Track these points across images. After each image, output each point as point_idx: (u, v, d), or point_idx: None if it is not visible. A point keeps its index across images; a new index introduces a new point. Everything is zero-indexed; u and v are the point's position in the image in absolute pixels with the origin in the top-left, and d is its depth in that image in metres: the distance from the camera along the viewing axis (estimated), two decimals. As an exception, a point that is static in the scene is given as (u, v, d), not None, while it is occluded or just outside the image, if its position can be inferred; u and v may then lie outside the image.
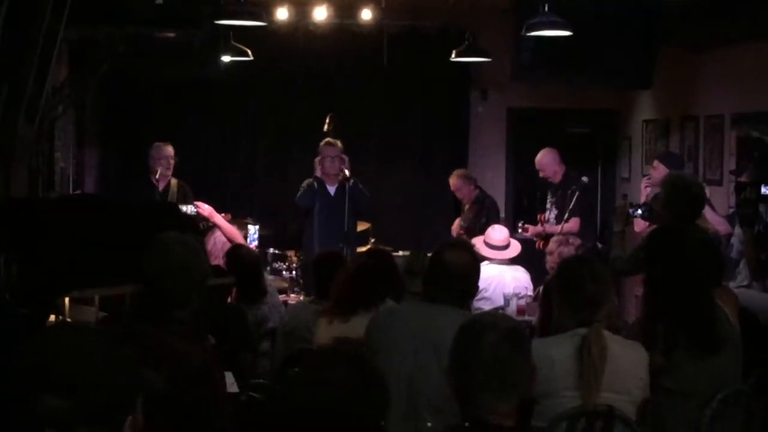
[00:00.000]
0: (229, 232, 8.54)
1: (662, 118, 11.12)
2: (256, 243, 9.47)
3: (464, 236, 10.11)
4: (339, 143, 9.66)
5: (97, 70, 9.61)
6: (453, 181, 10.88)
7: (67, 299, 5.53)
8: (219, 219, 8.67)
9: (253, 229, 9.57)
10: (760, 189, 7.25)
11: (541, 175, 10.54)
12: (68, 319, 5.45)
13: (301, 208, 9.78)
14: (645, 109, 11.65)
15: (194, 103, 12.05)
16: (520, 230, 10.50)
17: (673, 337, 4.69)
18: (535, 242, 10.41)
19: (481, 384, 3.09)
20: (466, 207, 10.78)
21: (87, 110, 11.44)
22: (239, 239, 8.50)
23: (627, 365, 4.35)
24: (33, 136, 7.79)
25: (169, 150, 9.75)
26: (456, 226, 10.86)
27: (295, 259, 9.58)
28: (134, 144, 11.37)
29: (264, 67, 11.54)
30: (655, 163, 8.46)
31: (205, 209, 8.78)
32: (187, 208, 8.99)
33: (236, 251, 7.59)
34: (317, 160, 9.67)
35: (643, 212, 7.25)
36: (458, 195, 10.90)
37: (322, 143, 9.73)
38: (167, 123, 11.56)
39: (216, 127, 12.38)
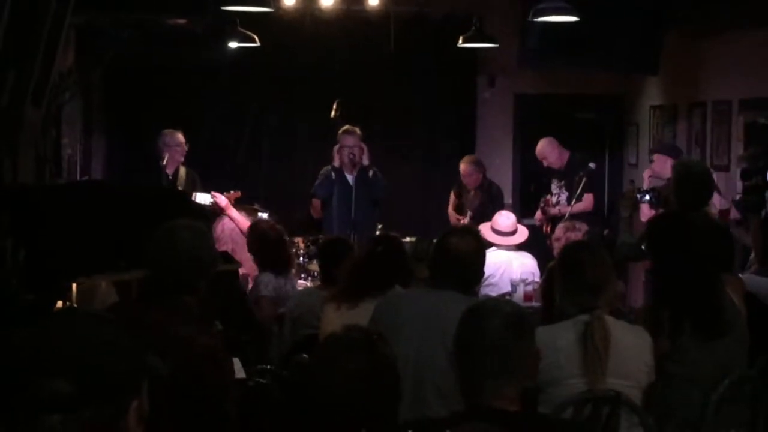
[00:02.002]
0: (243, 225, 8.55)
1: (669, 104, 11.10)
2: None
3: (470, 223, 10.10)
4: (358, 131, 9.61)
5: (103, 56, 9.63)
6: (464, 166, 10.81)
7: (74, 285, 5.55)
8: (234, 212, 8.69)
9: (264, 216, 9.56)
10: (766, 175, 7.23)
11: (545, 164, 10.55)
12: (75, 305, 5.47)
13: (319, 198, 9.77)
14: (652, 95, 11.63)
15: (201, 89, 12.05)
16: (543, 204, 10.51)
17: (678, 323, 4.69)
18: (542, 228, 10.42)
19: (484, 369, 3.10)
20: (471, 193, 10.74)
21: (94, 96, 11.44)
22: None
23: (631, 350, 4.35)
24: (40, 122, 7.79)
25: (180, 137, 9.81)
26: (452, 215, 10.85)
27: (302, 245, 9.56)
28: (142, 130, 11.38)
29: (270, 53, 11.52)
30: (654, 156, 8.55)
31: (222, 200, 8.79)
32: (203, 198, 9.01)
33: (258, 225, 7.67)
34: (336, 148, 9.65)
35: (650, 198, 7.26)
36: (466, 180, 10.85)
37: (340, 131, 9.67)
38: (174, 109, 11.55)
39: (222, 113, 12.36)
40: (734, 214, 7.53)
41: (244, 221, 8.68)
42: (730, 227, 7.08)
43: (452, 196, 11.06)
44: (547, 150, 10.47)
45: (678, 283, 4.75)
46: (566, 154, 10.48)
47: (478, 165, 10.85)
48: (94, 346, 1.86)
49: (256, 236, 7.61)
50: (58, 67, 7.91)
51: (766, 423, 4.90)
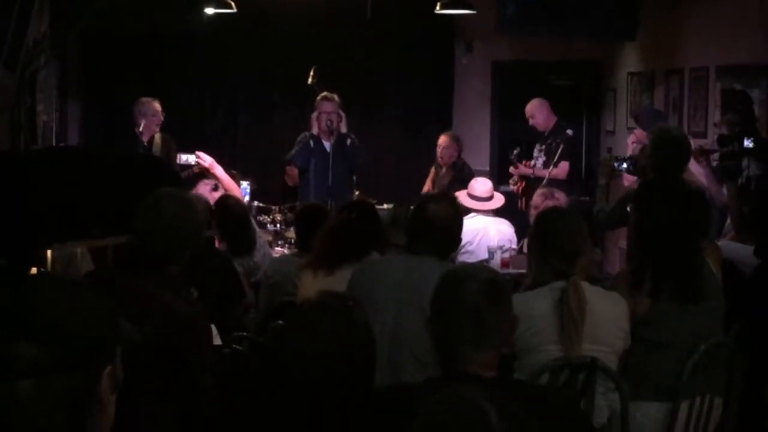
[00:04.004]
0: (228, 185, 8.47)
1: (647, 71, 11.10)
2: (248, 198, 9.43)
3: None
4: (336, 97, 9.55)
5: (79, 21, 9.54)
6: (443, 138, 10.73)
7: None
8: (219, 171, 8.59)
9: (244, 184, 9.53)
10: (743, 142, 7.25)
11: (531, 122, 10.53)
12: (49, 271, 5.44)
13: (296, 166, 9.72)
14: (630, 61, 11.63)
15: (177, 56, 12.01)
16: (512, 157, 10.53)
17: (658, 286, 4.70)
18: (516, 190, 10.43)
19: (460, 335, 3.09)
20: (443, 170, 10.68)
21: (70, 62, 11.37)
22: (237, 192, 8.46)
23: (607, 317, 4.36)
24: (14, 88, 7.73)
25: (157, 106, 9.73)
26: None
27: (279, 212, 9.54)
28: (118, 96, 11.34)
29: (248, 19, 11.46)
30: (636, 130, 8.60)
31: (207, 160, 8.71)
32: (188, 158, 8.94)
33: (225, 202, 7.53)
34: (314, 116, 9.59)
35: (627, 166, 7.25)
36: (441, 154, 10.76)
37: (318, 98, 9.60)
38: (150, 75, 11.52)
39: (199, 80, 12.33)
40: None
41: (229, 181, 8.59)
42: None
43: (432, 173, 11.00)
44: (537, 110, 10.47)
45: (661, 247, 4.77)
46: (553, 119, 10.47)
47: (457, 141, 10.81)
48: (64, 311, 1.84)
49: (220, 213, 7.42)
50: (33, 33, 7.84)
51: (741, 389, 4.92)
